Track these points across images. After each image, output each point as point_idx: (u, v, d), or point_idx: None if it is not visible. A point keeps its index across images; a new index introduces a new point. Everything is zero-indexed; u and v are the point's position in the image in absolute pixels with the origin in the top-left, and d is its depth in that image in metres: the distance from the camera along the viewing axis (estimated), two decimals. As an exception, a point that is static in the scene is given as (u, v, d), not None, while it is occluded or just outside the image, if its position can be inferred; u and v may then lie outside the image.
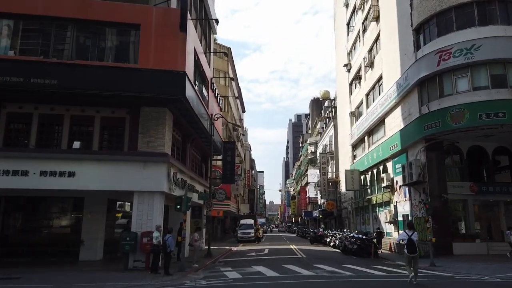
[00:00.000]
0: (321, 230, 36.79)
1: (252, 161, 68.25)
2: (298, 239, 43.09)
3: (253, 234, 35.59)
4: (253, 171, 72.30)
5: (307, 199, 73.55)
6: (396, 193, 24.81)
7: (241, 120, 54.67)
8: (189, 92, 15.23)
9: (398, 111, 24.42)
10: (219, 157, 27.49)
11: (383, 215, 27.84)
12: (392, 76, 25.51)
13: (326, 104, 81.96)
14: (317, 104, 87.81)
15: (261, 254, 21.51)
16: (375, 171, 29.84)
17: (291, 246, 28.19)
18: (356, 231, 25.64)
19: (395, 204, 24.81)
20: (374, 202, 29.89)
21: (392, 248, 22.79)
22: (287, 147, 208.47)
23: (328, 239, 27.88)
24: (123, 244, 13.94)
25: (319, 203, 61.84)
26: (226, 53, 37.35)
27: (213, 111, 21.69)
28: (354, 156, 37.04)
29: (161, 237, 13.41)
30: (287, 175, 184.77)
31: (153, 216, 14.48)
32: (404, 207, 22.64)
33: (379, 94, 28.82)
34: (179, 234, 16.68)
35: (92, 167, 14.34)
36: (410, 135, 21.98)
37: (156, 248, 12.88)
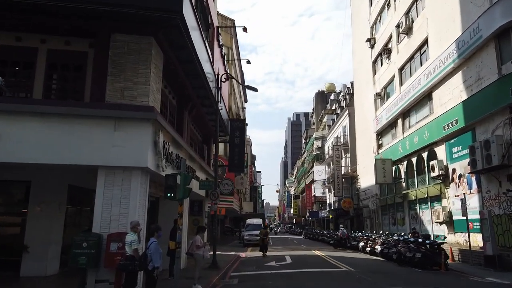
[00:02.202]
0: (341, 232, 31.19)
1: (253, 157, 62.63)
2: (312, 242, 37.48)
3: (262, 236, 29.87)
4: (254, 168, 66.65)
5: (312, 198, 68.06)
6: (452, 184, 19.29)
7: (243, 109, 49.10)
8: (188, 14, 9.66)
9: (456, 78, 18.93)
10: (221, 144, 21.84)
11: (428, 214, 22.32)
12: (445, 36, 20.04)
13: (332, 97, 77.06)
14: (321, 97, 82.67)
15: (284, 264, 15.92)
16: (414, 159, 24.31)
17: (316, 252, 22.50)
18: (402, 234, 20.08)
19: (450, 198, 19.31)
20: (413, 197, 24.36)
21: (454, 257, 17.28)
22: (286, 146, 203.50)
23: (360, 244, 22.27)
24: (76, 254, 8.28)
25: (328, 202, 56.33)
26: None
27: (219, 71, 16.07)
28: (380, 145, 31.55)
29: (140, 243, 7.75)
30: (285, 175, 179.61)
31: (130, 208, 8.88)
32: (469, 202, 17.06)
33: (421, 65, 23.38)
34: (171, 238, 11.09)
35: (29, 127, 8.70)
36: (481, 106, 16.47)
37: (130, 263, 7.21)
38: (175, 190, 8.46)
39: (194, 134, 17.60)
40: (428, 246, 14.61)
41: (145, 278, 7.90)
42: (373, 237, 21.27)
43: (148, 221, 9.93)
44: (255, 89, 16.92)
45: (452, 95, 19.29)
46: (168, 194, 8.62)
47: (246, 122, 24.30)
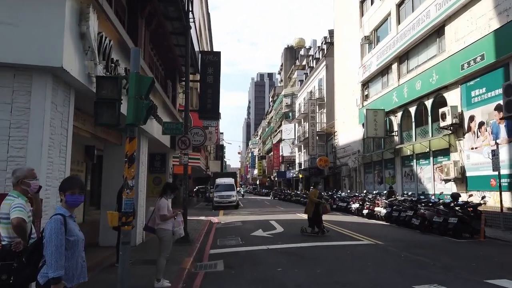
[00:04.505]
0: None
1: (218, 114, 57.93)
2: (285, 203, 34.43)
3: (234, 198, 26.18)
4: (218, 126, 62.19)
5: (280, 158, 65.29)
6: (468, 135, 16.21)
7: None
8: None
9: (484, 3, 15.34)
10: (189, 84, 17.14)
11: (428, 170, 19.43)
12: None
13: (302, 52, 72.86)
14: (291, 53, 78.29)
15: (276, 234, 12.17)
16: (412, 109, 21.08)
17: (303, 216, 18.99)
18: (410, 193, 17.04)
19: (464, 151, 16.32)
20: (409, 152, 21.38)
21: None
22: (249, 107, 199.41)
23: (353, 205, 19.04)
24: None
25: (298, 161, 53.63)
26: None
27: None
28: (366, 96, 28.19)
29: (26, 212, 3.47)
30: (248, 136, 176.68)
31: (28, 148, 4.51)
32: (500, 154, 13.89)
33: (428, -4, 19.59)
34: (119, 205, 6.76)
35: None
36: (522, 34, 13.06)
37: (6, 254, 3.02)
38: (117, 107, 4.17)
39: (154, 63, 12.97)
40: (458, 209, 11.38)
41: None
42: (370, 197, 18.07)
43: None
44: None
45: (476, 26, 15.76)
46: (100, 115, 4.20)
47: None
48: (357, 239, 10.60)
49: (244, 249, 9.41)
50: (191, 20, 11.50)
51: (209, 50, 48.32)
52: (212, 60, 16.51)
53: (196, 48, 15.84)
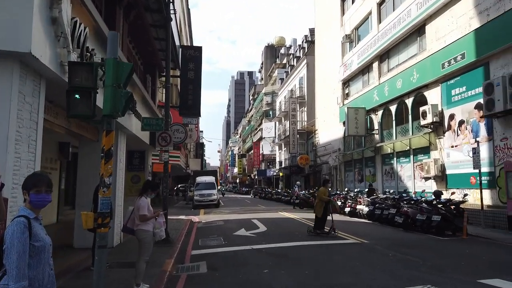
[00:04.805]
0: (296, 190, 28.31)
1: (200, 111, 57.13)
2: (266, 202, 34.23)
3: (215, 197, 25.78)
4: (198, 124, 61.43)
5: (260, 156, 65.08)
6: (448, 133, 16.37)
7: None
8: None
9: (465, 3, 15.50)
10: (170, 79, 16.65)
11: (409, 168, 19.58)
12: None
13: (282, 51, 72.84)
14: (271, 51, 78.20)
15: (260, 233, 11.87)
16: (393, 107, 21.21)
17: (285, 214, 18.80)
18: (392, 191, 17.09)
19: (444, 149, 16.48)
20: (389, 150, 21.51)
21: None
22: (229, 105, 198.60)
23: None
24: None
25: (278, 159, 53.56)
26: None
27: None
28: (347, 95, 28.28)
29: None
30: (228, 135, 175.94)
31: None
32: (480, 152, 14.06)
33: (408, -5, 19.72)
34: (95, 205, 6.32)
35: None
36: (502, 34, 13.20)
37: None
38: (92, 96, 3.76)
39: (133, 57, 12.45)
40: (441, 206, 11.40)
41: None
42: (352, 195, 18.06)
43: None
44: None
45: (457, 25, 15.92)
46: (73, 106, 3.76)
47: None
48: (342, 238, 10.45)
49: (227, 250, 9.08)
50: (172, 12, 11.06)
51: (190, 44, 47.58)
52: (193, 55, 16.09)
53: (177, 43, 15.37)
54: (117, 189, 9.46)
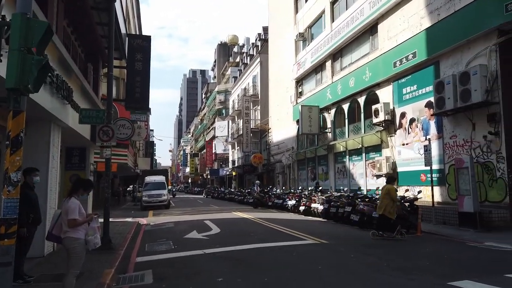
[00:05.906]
0: (255, 189, 27.84)
1: (148, 105, 54.91)
2: (219, 201, 33.40)
3: (166, 197, 24.53)
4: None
5: (213, 155, 64.04)
6: (399, 131, 16.63)
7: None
8: None
9: (416, 3, 15.77)
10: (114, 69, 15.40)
11: (361, 166, 19.76)
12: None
13: (235, 49, 72.30)
14: (224, 49, 77.37)
15: (213, 235, 11.10)
16: (345, 106, 21.36)
17: (240, 214, 18.08)
18: (345, 189, 17.02)
19: (395, 147, 16.72)
20: (342, 149, 21.64)
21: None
22: (181, 104, 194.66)
23: (289, 202, 18.65)
24: None
25: (231, 158, 52.89)
26: None
27: None
28: (300, 93, 28.26)
29: None
30: (180, 134, 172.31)
31: None
32: (430, 150, 14.30)
33: (362, -6, 19.90)
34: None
35: None
36: (452, 34, 13.49)
37: None
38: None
39: (72, 43, 11.18)
40: (408, 206, 11.37)
41: None
42: (306, 193, 17.82)
43: None
44: None
45: (408, 24, 16.18)
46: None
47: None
48: (300, 238, 9.99)
49: (177, 255, 8.26)
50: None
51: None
52: (141, 44, 14.99)
53: (123, 31, 14.19)
54: (49, 190, 8.30)
